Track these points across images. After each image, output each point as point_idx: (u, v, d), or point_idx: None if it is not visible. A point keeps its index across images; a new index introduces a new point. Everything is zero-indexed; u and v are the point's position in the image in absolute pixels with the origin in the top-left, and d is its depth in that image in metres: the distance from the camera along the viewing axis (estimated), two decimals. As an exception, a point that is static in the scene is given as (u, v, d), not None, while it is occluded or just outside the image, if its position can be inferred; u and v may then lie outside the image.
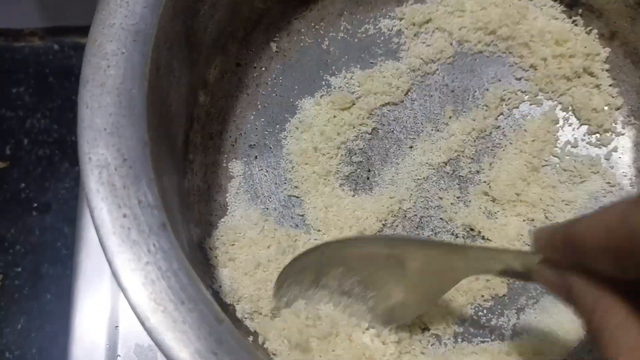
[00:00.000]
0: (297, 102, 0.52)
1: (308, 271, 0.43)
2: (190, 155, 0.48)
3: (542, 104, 0.51)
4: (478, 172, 0.50)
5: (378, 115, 0.52)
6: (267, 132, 0.51)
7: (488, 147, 0.50)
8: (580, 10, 0.52)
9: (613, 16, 0.51)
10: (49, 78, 0.86)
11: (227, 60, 0.52)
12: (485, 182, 0.49)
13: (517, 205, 0.48)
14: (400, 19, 0.53)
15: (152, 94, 0.37)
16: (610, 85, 0.50)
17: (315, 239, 0.48)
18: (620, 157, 0.50)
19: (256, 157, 0.51)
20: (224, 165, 0.50)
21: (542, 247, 0.34)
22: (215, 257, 0.47)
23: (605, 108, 0.50)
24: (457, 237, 0.48)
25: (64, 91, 0.86)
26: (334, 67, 0.53)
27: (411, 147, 0.51)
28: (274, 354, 0.43)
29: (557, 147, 0.50)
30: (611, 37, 0.51)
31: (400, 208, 0.49)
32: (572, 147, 0.50)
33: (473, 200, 0.49)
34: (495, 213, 0.49)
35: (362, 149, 0.51)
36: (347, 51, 0.53)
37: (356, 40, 0.53)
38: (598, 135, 0.50)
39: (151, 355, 0.48)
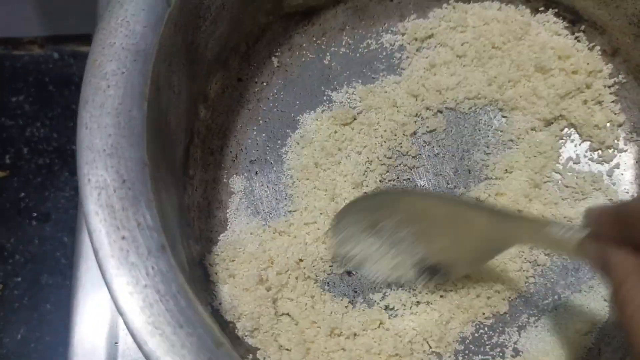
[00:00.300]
0: (298, 117, 0.52)
1: (367, 213, 0.44)
2: (190, 170, 0.48)
3: (544, 119, 0.50)
4: (481, 188, 0.50)
5: (379, 131, 0.51)
6: (268, 148, 0.51)
7: (490, 163, 0.50)
8: (583, 27, 0.52)
9: (616, 33, 0.51)
10: (49, 86, 0.86)
11: (229, 75, 0.52)
12: (488, 198, 0.49)
13: (519, 222, 0.48)
14: (403, 34, 0.53)
15: (152, 113, 0.37)
16: (612, 102, 0.50)
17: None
18: (622, 174, 0.50)
19: (257, 172, 0.51)
20: (225, 180, 0.50)
21: (592, 222, 0.36)
22: (216, 273, 0.46)
23: (608, 125, 0.50)
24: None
25: (64, 99, 0.86)
26: (335, 82, 0.53)
27: (412, 162, 0.51)
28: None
29: (559, 163, 0.50)
30: (614, 54, 0.51)
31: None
32: (574, 163, 0.50)
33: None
34: (497, 229, 0.48)
35: (362, 163, 0.51)
36: (349, 66, 0.53)
37: (358, 55, 0.53)
38: (600, 151, 0.50)
39: (150, 372, 0.48)
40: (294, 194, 0.50)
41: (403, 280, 0.47)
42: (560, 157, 0.50)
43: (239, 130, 0.52)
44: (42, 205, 0.82)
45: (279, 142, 0.51)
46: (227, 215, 0.49)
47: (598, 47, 0.51)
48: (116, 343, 0.48)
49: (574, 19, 0.52)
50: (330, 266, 0.48)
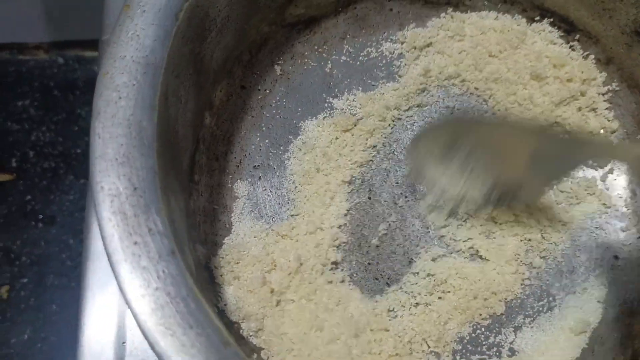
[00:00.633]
0: (300, 124, 0.53)
1: (442, 139, 0.46)
2: (196, 176, 0.49)
3: (540, 125, 0.51)
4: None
5: (380, 137, 0.53)
6: (271, 153, 0.52)
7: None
8: (577, 36, 0.53)
9: (610, 42, 0.52)
10: (54, 91, 0.87)
11: (233, 83, 0.53)
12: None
13: (514, 225, 0.50)
14: (402, 43, 0.54)
15: (161, 122, 0.38)
16: (606, 109, 0.51)
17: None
18: (615, 179, 0.51)
19: (260, 177, 0.52)
20: (229, 186, 0.51)
21: None
22: (221, 275, 0.48)
23: (601, 131, 0.51)
24: (456, 257, 0.50)
25: (69, 104, 0.87)
26: (336, 90, 0.54)
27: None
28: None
29: (554, 168, 0.51)
30: (607, 62, 0.52)
31: (397, 227, 0.50)
32: (568, 168, 0.51)
33: (473, 221, 0.50)
34: (494, 233, 0.50)
35: (363, 169, 0.52)
36: (350, 74, 0.54)
37: (358, 63, 0.54)
38: (594, 157, 0.51)
39: (158, 373, 0.49)
40: (296, 198, 0.51)
41: (470, 208, 0.48)
42: (555, 163, 0.51)
43: (243, 136, 0.53)
44: (47, 208, 0.83)
45: (281, 148, 0.52)
46: (232, 219, 0.50)
47: (592, 56, 0.52)
48: (124, 343, 0.49)
49: (568, 29, 0.53)
50: (333, 263, 0.49)
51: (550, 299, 0.48)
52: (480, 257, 0.49)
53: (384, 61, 0.54)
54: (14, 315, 0.79)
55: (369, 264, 0.50)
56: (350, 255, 0.50)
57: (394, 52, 0.54)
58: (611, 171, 0.51)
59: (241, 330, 0.46)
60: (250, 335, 0.46)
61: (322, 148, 0.52)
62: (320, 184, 0.51)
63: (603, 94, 0.52)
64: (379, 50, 0.55)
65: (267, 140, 0.53)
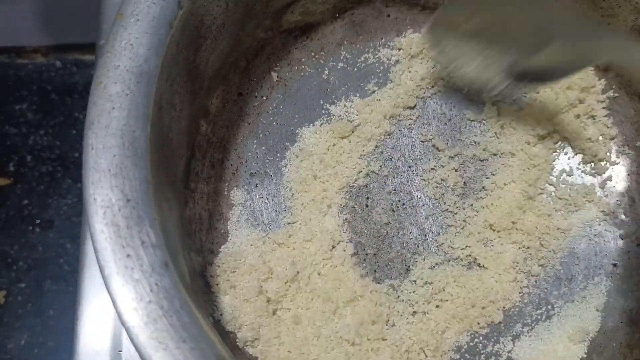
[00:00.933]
0: (297, 131, 0.53)
1: (461, 15, 0.47)
2: (191, 184, 0.49)
3: (538, 134, 0.51)
4: (476, 199, 0.51)
5: (377, 143, 0.52)
6: (267, 161, 0.52)
7: (485, 175, 0.51)
8: (576, 42, 0.53)
9: (608, 48, 0.52)
10: (52, 95, 0.87)
11: (229, 89, 0.52)
12: (483, 209, 0.50)
13: (512, 233, 0.49)
14: (399, 49, 0.54)
15: (154, 132, 0.38)
16: (605, 116, 0.51)
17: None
18: (614, 186, 0.51)
19: (257, 185, 0.52)
20: (225, 193, 0.51)
21: None
22: (217, 284, 0.47)
23: (600, 138, 0.51)
24: (454, 265, 0.49)
25: (67, 108, 0.87)
26: (333, 96, 0.53)
27: (409, 175, 0.52)
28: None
29: (552, 175, 0.51)
30: (606, 69, 0.52)
31: (395, 235, 0.50)
32: (567, 175, 0.51)
33: (471, 228, 0.50)
34: (492, 240, 0.49)
35: (360, 176, 0.52)
36: (347, 80, 0.54)
37: (355, 69, 0.54)
38: (593, 164, 0.51)
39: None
40: (293, 206, 0.51)
41: (491, 84, 0.48)
42: (554, 170, 0.51)
43: (239, 143, 0.52)
44: (45, 213, 0.82)
45: (278, 155, 0.52)
46: (228, 227, 0.50)
47: (591, 63, 0.52)
48: (120, 351, 0.49)
49: (567, 35, 0.53)
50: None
51: (549, 307, 0.48)
52: (479, 265, 0.49)
53: (381, 67, 0.54)
54: (11, 321, 0.79)
55: (366, 272, 0.49)
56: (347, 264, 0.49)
57: (391, 58, 0.54)
58: (610, 178, 0.51)
59: (237, 340, 0.46)
60: (247, 345, 0.46)
61: (319, 155, 0.51)
62: (317, 191, 0.50)
63: (602, 101, 0.51)
64: (376, 56, 0.54)
65: (263, 147, 0.53)
